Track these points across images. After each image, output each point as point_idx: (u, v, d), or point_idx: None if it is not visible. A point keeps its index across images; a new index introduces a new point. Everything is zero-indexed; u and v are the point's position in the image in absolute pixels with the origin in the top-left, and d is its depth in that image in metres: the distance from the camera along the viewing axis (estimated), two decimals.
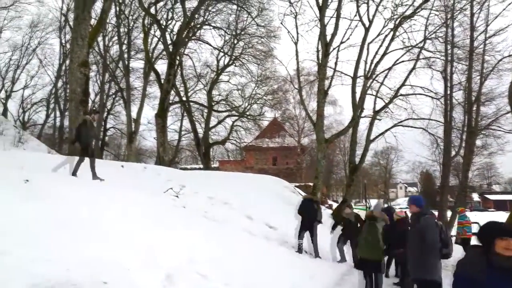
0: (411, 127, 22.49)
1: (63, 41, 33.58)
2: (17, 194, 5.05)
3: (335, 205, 28.96)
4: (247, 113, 31.20)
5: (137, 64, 33.41)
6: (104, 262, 4.19)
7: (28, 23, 35.56)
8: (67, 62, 28.63)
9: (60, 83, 34.39)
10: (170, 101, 25.67)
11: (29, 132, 29.72)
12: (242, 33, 28.05)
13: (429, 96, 21.84)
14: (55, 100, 35.17)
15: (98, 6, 20.91)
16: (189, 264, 5.19)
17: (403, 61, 21.59)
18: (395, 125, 21.85)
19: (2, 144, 15.66)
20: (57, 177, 7.49)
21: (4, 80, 36.46)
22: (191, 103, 30.35)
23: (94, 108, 9.94)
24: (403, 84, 21.13)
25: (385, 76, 21.49)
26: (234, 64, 30.05)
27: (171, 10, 26.03)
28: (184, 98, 29.37)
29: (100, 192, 6.86)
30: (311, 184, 21.30)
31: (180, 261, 5.13)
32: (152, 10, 24.53)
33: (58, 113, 34.87)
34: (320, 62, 18.39)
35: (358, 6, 19.79)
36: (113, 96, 34.26)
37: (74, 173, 8.49)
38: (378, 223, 6.83)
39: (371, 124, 21.41)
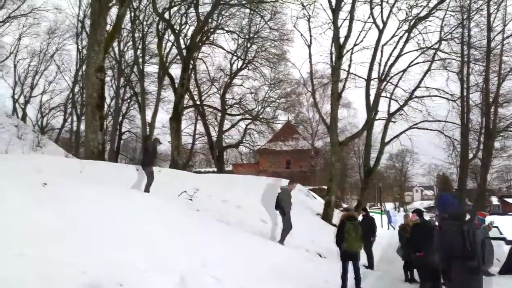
0: (427, 129, 22.14)
1: (80, 47, 34.28)
2: (36, 197, 5.16)
3: None
4: (260, 116, 31.23)
5: (152, 68, 33.75)
6: (120, 264, 4.24)
7: (46, 30, 36.44)
8: (84, 67, 29.18)
9: (77, 88, 35.04)
10: (184, 105, 25.87)
11: (47, 136, 30.30)
12: (255, 36, 28.14)
13: (445, 98, 21.49)
14: (72, 105, 35.82)
15: (113, 12, 21.25)
16: (203, 267, 5.21)
17: (418, 63, 21.33)
18: (410, 128, 21.55)
19: (21, 148, 16.01)
20: (74, 181, 7.61)
21: (23, 86, 37.39)
22: (205, 107, 30.55)
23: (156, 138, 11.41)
24: (418, 86, 20.86)
25: (400, 78, 21.25)
26: (247, 68, 30.16)
27: (185, 15, 26.29)
28: (198, 102, 29.57)
29: (115, 195, 6.95)
30: (325, 187, 21.17)
31: (194, 264, 5.16)
32: (166, 15, 24.81)
33: (75, 118, 35.53)
34: (334, 64, 18.29)
35: (371, 8, 19.65)
36: (128, 100, 34.71)
37: (147, 190, 9.14)
38: (356, 221, 7.76)
39: (386, 127, 21.19)
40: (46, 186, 5.81)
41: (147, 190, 9.26)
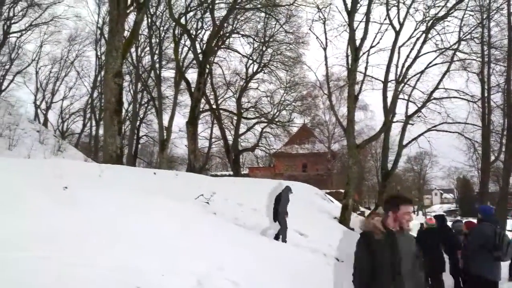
0: (446, 131, 21.70)
1: (98, 53, 35.07)
2: (56, 200, 5.28)
3: (367, 212, 28.33)
4: (276, 119, 31.21)
5: (168, 73, 34.20)
6: (137, 267, 4.30)
7: (67, 37, 37.42)
8: (102, 73, 29.79)
9: (95, 94, 35.80)
10: (201, 109, 26.06)
11: (67, 141, 30.99)
12: (271, 40, 28.18)
13: (465, 99, 21.04)
14: (91, 110, 36.59)
15: (131, 19, 21.63)
16: (219, 271, 5.23)
17: (436, 64, 20.96)
18: (428, 130, 21.17)
19: (43, 152, 16.41)
20: (93, 185, 7.75)
21: (45, 92, 38.43)
22: (221, 111, 30.71)
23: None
24: (436, 88, 20.49)
25: (418, 80, 20.91)
26: (263, 71, 30.21)
27: (201, 20, 26.56)
28: (214, 106, 29.75)
29: (134, 199, 7.05)
30: (342, 190, 20.96)
31: (210, 268, 5.18)
32: (182, 21, 25.10)
33: (93, 123, 36.25)
34: (350, 67, 18.15)
35: (388, 10, 19.45)
36: (146, 105, 35.21)
37: (284, 240, 9.50)
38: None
39: (404, 129, 20.86)
40: (67, 189, 5.94)
41: (284, 240, 9.71)
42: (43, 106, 38.17)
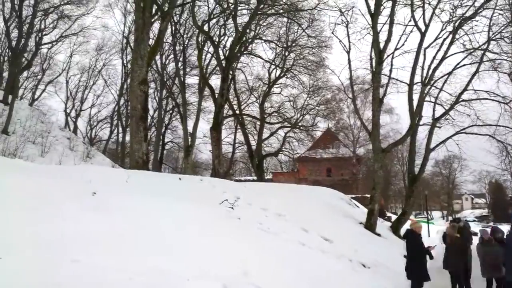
0: (476, 134, 20.98)
1: (124, 62, 35.99)
2: (86, 206, 5.43)
3: (394, 217, 27.73)
4: (300, 124, 31.07)
5: (192, 80, 34.63)
6: (164, 271, 4.36)
7: (94, 47, 38.64)
8: (128, 81, 30.52)
9: (122, 101, 36.73)
10: (224, 115, 26.28)
11: (95, 147, 31.88)
12: (293, 44, 28.15)
13: (496, 101, 20.29)
14: (117, 117, 37.54)
15: (155, 27, 22.11)
16: (244, 276, 5.24)
17: (464, 65, 20.31)
18: (457, 133, 20.53)
19: (73, 159, 16.96)
20: (121, 190, 7.93)
21: (74, 100, 39.77)
22: (244, 116, 30.85)
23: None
24: (465, 89, 19.87)
25: (445, 82, 20.33)
26: (285, 76, 30.16)
27: (224, 27, 26.83)
28: (237, 112, 29.93)
29: (160, 204, 7.17)
30: (368, 195, 20.60)
31: (235, 273, 5.20)
32: (206, 28, 25.47)
33: (120, 129, 37.16)
34: (374, 70, 17.88)
35: (412, 11, 19.07)
36: (170, 111, 35.80)
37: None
38: None
39: (431, 132, 20.32)
40: (96, 195, 6.11)
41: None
42: (73, 114, 39.57)
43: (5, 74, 27.78)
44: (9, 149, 13.63)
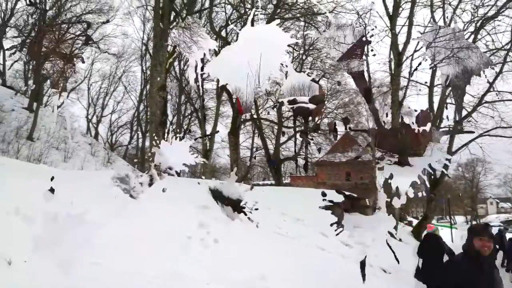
0: (501, 136, 20.44)
1: (144, 68, 36.56)
2: (108, 210, 5.54)
3: (415, 221, 27.17)
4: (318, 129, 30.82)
5: (210, 85, 34.95)
6: (182, 275, 4.40)
7: (114, 54, 39.40)
8: (147, 87, 31.02)
9: (141, 107, 37.30)
10: (242, 119, 26.37)
11: (116, 153, 32.45)
12: (310, 48, 28.09)
13: None
14: (137, 122, 38.15)
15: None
16: (262, 280, 5.23)
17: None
18: (480, 135, 20.03)
19: (94, 164, 17.31)
20: (140, 194, 8.03)
21: (95, 107, 40.66)
22: (262, 120, 30.88)
23: None
24: (488, 90, 19.39)
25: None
26: None
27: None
28: (255, 116, 30.00)
29: (178, 209, 7.23)
30: (389, 199, 20.26)
31: (253, 277, 5.19)
32: (223, 33, 25.71)
33: (140, 135, 37.74)
34: (393, 72, 17.68)
35: (432, 12, 18.79)
36: (189, 116, 36.16)
37: None
38: None
39: (452, 135, 19.90)
40: (116, 199, 6.22)
41: None
42: (94, 120, 40.41)
43: (30, 82, 28.62)
44: (34, 155, 14.03)
